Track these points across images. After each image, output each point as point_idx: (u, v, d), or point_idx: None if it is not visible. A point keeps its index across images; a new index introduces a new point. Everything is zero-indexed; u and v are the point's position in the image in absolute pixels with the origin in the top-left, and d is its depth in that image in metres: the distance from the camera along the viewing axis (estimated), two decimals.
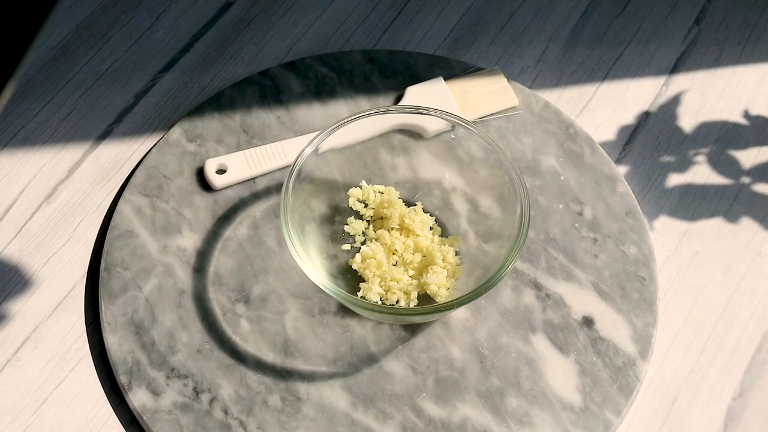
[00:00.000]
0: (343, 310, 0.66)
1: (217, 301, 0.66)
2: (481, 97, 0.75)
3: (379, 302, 0.65)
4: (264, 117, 0.74)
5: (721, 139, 0.76)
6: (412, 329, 0.66)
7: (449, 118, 0.67)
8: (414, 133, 0.71)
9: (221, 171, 0.71)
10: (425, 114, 0.67)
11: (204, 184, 0.71)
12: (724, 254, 0.72)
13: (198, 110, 0.74)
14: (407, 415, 0.63)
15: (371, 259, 0.65)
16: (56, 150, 0.74)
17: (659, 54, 0.81)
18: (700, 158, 0.76)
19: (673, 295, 0.70)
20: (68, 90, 0.77)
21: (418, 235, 0.67)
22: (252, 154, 0.71)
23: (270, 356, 0.65)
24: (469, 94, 0.74)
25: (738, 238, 0.72)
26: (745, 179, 0.75)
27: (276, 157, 0.71)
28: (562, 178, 0.72)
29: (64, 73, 0.77)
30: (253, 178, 0.71)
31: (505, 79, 0.75)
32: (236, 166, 0.71)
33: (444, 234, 0.69)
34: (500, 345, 0.65)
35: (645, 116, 0.77)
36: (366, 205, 0.69)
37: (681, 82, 0.79)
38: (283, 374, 0.64)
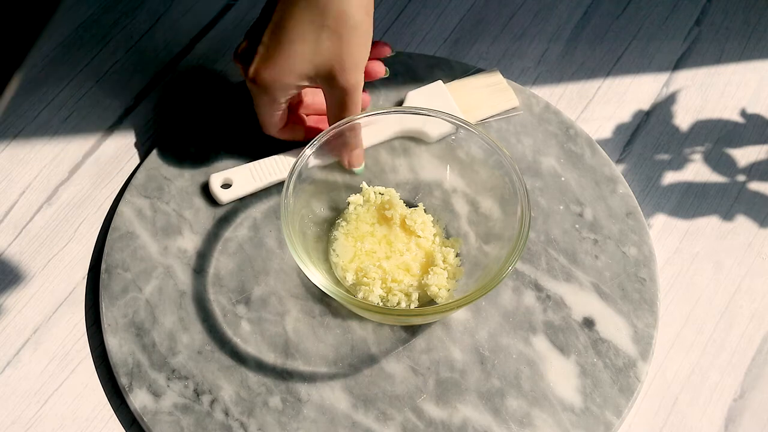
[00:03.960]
0: (344, 312, 0.66)
1: (218, 302, 0.66)
2: (482, 98, 0.74)
3: (380, 303, 0.65)
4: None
5: (721, 139, 0.76)
6: (413, 330, 0.66)
7: (450, 119, 0.67)
8: (416, 138, 0.71)
9: (226, 185, 0.71)
10: (426, 116, 0.67)
11: (205, 186, 0.71)
12: (724, 255, 0.72)
13: (198, 111, 0.74)
14: (408, 416, 0.63)
15: (364, 277, 0.66)
16: (57, 151, 0.74)
17: (660, 54, 0.81)
18: (701, 159, 0.76)
19: (673, 296, 0.70)
20: (69, 91, 0.77)
21: (419, 236, 0.67)
22: (257, 167, 0.71)
23: (270, 357, 0.65)
24: (470, 96, 0.74)
25: (738, 238, 0.72)
26: (746, 180, 0.75)
27: (280, 168, 0.71)
28: (563, 179, 0.72)
29: (65, 75, 0.77)
30: (259, 191, 0.71)
31: (504, 80, 0.75)
32: (241, 179, 0.70)
33: (445, 235, 0.69)
34: (501, 346, 0.66)
35: (645, 117, 0.77)
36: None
37: (681, 82, 0.79)
38: (283, 375, 0.64)
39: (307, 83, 0.65)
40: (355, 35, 0.62)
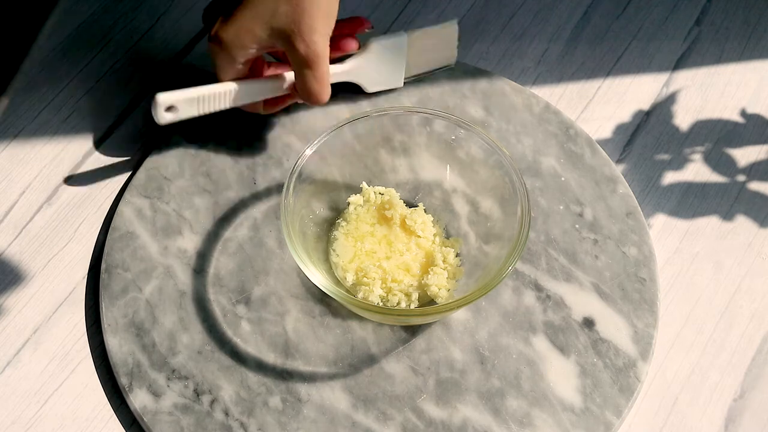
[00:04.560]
0: (344, 312, 0.66)
1: (218, 302, 0.67)
2: (429, 53, 0.74)
3: (380, 303, 0.65)
4: (264, 118, 0.74)
5: (721, 139, 0.76)
6: (413, 330, 0.66)
7: (451, 118, 0.67)
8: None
9: (171, 108, 0.67)
10: (427, 115, 0.67)
11: (205, 186, 0.71)
12: (724, 254, 0.72)
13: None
14: (408, 416, 0.63)
15: (364, 277, 0.66)
16: (57, 151, 0.74)
17: (660, 54, 0.81)
18: (701, 159, 0.76)
19: (673, 296, 0.70)
20: (69, 91, 0.77)
21: (419, 236, 0.67)
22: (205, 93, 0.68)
23: (270, 357, 0.65)
24: (422, 49, 0.73)
25: (738, 238, 0.72)
26: (746, 180, 0.75)
27: (223, 99, 0.69)
28: (563, 179, 0.72)
29: (65, 75, 0.77)
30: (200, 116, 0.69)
31: (456, 34, 0.74)
32: (186, 105, 0.68)
33: (445, 235, 0.69)
34: (501, 346, 0.66)
35: (645, 117, 0.77)
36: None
37: (681, 82, 0.79)
38: (283, 375, 0.64)
39: (265, 45, 0.66)
40: (315, 4, 0.63)
